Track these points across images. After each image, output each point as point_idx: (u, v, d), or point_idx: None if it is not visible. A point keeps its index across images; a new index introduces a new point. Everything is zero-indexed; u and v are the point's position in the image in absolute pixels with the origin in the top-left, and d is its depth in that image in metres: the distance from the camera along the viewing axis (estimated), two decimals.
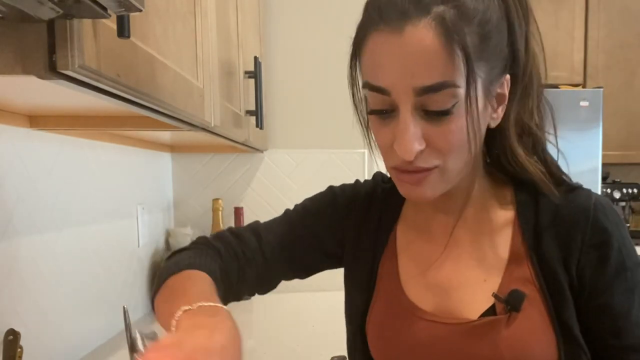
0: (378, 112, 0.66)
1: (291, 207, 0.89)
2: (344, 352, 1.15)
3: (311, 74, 1.90)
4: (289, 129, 1.92)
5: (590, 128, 2.76)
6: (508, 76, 0.67)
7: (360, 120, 0.73)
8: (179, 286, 0.70)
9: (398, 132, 0.63)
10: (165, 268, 0.77)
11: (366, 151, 1.97)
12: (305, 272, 0.88)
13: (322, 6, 1.89)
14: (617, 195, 3.10)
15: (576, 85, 3.08)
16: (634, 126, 3.16)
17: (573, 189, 0.72)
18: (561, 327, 0.68)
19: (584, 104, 2.78)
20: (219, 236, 0.84)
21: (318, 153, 1.91)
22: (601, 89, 2.86)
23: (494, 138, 0.71)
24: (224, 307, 0.62)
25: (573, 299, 0.69)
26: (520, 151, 0.70)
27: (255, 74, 1.47)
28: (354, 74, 0.69)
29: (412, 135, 0.62)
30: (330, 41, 1.88)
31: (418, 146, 0.63)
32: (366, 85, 0.65)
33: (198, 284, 0.71)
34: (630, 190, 3.14)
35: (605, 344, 0.70)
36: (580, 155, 2.63)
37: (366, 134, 0.73)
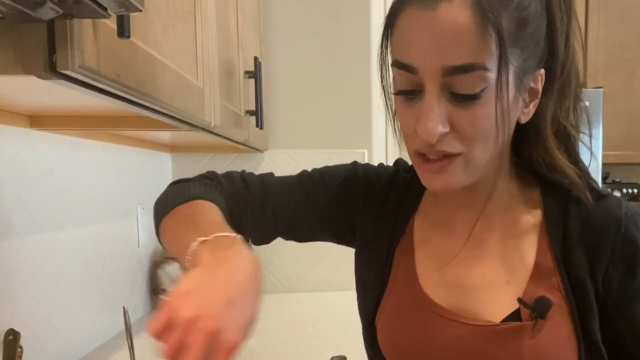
0: (404, 93, 0.64)
1: None
2: (344, 352, 1.15)
3: (311, 74, 1.90)
4: (289, 129, 1.92)
5: (591, 128, 2.76)
6: (543, 71, 0.65)
7: (387, 104, 0.71)
8: (191, 215, 0.70)
9: (422, 113, 0.61)
10: (172, 195, 0.76)
11: (366, 151, 1.98)
12: (303, 239, 0.86)
13: (322, 6, 1.89)
14: (617, 195, 3.10)
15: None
16: (634, 126, 3.16)
17: (603, 196, 0.70)
18: (585, 336, 0.67)
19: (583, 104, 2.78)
20: (229, 176, 0.83)
21: (318, 153, 1.91)
22: (601, 89, 2.86)
23: (527, 136, 0.69)
24: (239, 236, 0.62)
25: (598, 308, 0.68)
26: (555, 151, 0.68)
27: (255, 74, 1.47)
28: (384, 54, 0.67)
29: (436, 116, 0.60)
30: (331, 41, 1.88)
31: (441, 128, 0.61)
32: (395, 63, 0.63)
33: (210, 213, 0.70)
34: (630, 190, 3.15)
35: (627, 356, 0.69)
36: (580, 155, 2.64)
37: (392, 119, 0.70)
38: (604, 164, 2.85)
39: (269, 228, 0.83)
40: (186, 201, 0.73)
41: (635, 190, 3.15)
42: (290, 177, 0.85)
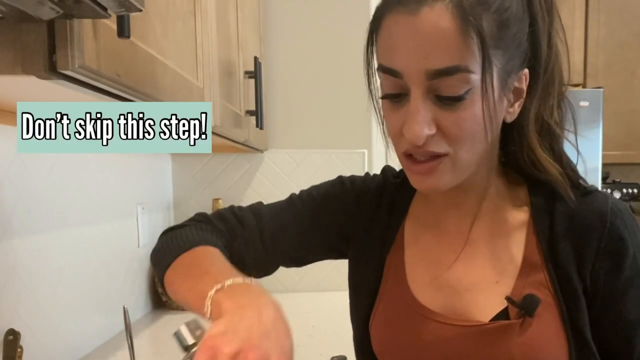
0: (390, 97, 0.65)
1: None
2: (344, 352, 1.15)
3: (311, 74, 1.90)
4: (289, 129, 1.92)
5: (590, 128, 2.76)
6: (527, 71, 0.66)
7: (375, 108, 0.72)
8: (197, 263, 0.70)
9: (408, 116, 0.62)
10: (170, 244, 0.76)
11: (366, 151, 1.98)
12: (304, 262, 0.86)
13: (322, 6, 1.89)
14: (617, 195, 3.09)
15: (576, 85, 3.08)
16: (634, 126, 3.15)
17: (589, 192, 0.71)
18: (574, 333, 0.67)
19: (584, 104, 2.78)
20: (220, 216, 0.83)
21: (318, 153, 1.91)
22: (601, 89, 2.86)
23: (511, 135, 0.70)
24: (252, 279, 0.63)
25: (586, 304, 0.68)
26: (538, 149, 0.69)
27: (255, 74, 1.47)
28: (370, 59, 0.68)
29: (422, 119, 0.61)
30: (330, 41, 1.88)
31: (427, 130, 0.61)
32: (380, 68, 0.65)
33: (216, 259, 0.70)
34: (630, 190, 3.14)
35: (616, 352, 0.70)
36: (573, 155, 2.64)
37: (380, 122, 0.71)
38: (604, 164, 2.85)
39: (270, 259, 0.83)
40: (187, 249, 0.73)
41: (635, 190, 3.15)
42: (281, 202, 0.86)
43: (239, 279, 0.62)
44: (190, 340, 0.58)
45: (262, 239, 0.81)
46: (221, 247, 0.76)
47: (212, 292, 0.59)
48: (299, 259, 0.86)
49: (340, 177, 0.86)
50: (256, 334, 0.52)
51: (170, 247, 0.75)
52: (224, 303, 0.57)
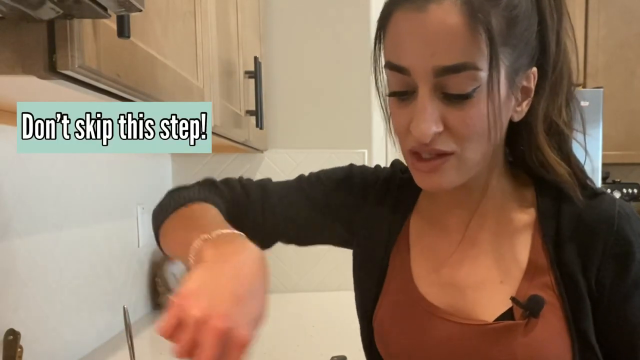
0: (398, 94, 0.64)
1: None
2: (344, 352, 1.15)
3: (311, 74, 1.90)
4: (289, 129, 1.91)
5: (591, 128, 2.75)
6: (535, 69, 0.66)
7: (381, 105, 0.71)
8: (191, 216, 0.70)
9: (415, 114, 0.62)
10: (171, 200, 0.77)
11: (366, 151, 1.98)
12: (302, 242, 0.86)
13: (322, 6, 1.89)
14: (617, 195, 3.09)
15: (577, 85, 3.08)
16: (634, 126, 3.15)
17: (596, 195, 0.70)
18: (578, 335, 0.67)
19: (584, 104, 2.74)
20: (227, 182, 0.84)
21: (318, 153, 1.91)
22: (601, 89, 2.86)
23: (519, 134, 0.70)
24: (241, 233, 0.62)
25: (592, 307, 0.68)
26: (547, 149, 0.68)
27: (255, 74, 1.47)
28: (377, 56, 0.68)
29: (429, 116, 0.61)
30: (330, 41, 1.88)
31: (435, 128, 0.61)
32: (387, 65, 0.65)
33: (210, 213, 0.71)
34: (630, 190, 3.14)
35: (621, 355, 0.69)
36: (580, 155, 2.63)
37: (387, 119, 0.71)
38: (604, 164, 2.85)
39: (268, 233, 0.83)
40: (185, 204, 0.74)
41: (635, 190, 3.15)
42: (289, 181, 0.86)
43: (228, 230, 0.61)
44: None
45: (263, 214, 0.81)
46: (221, 206, 0.76)
47: (198, 242, 0.59)
48: (299, 240, 0.86)
49: (351, 166, 0.86)
50: (227, 299, 0.52)
51: (169, 203, 0.76)
52: (206, 252, 0.57)
